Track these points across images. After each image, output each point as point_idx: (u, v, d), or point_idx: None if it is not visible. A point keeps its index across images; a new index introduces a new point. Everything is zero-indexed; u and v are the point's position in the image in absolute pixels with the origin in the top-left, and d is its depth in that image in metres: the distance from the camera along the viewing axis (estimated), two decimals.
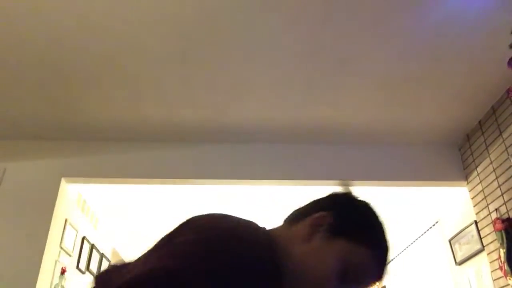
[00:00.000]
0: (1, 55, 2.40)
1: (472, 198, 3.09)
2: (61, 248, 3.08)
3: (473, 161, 3.07)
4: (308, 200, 0.91)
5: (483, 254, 2.94)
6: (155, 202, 4.00)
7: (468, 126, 3.08)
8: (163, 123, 3.01)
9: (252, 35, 2.27)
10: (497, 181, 2.77)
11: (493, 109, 2.84)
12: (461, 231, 3.21)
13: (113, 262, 4.35)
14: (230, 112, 2.90)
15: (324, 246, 0.79)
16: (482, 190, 2.94)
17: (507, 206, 2.67)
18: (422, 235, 3.99)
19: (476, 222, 3.01)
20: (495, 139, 2.81)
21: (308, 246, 0.79)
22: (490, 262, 2.84)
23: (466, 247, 3.15)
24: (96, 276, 0.84)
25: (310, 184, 3.19)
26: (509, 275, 2.56)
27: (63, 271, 3.08)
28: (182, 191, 3.75)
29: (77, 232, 3.35)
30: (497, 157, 2.78)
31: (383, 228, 0.86)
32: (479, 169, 3.00)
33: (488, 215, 2.86)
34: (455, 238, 3.30)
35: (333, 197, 0.89)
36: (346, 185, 0.90)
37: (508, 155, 2.66)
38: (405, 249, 4.35)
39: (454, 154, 3.27)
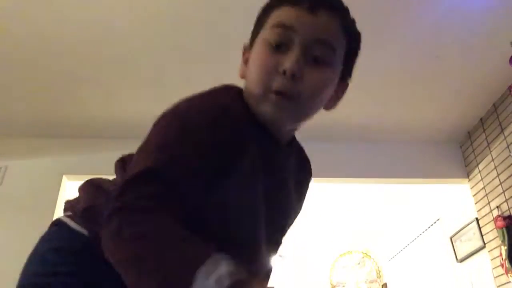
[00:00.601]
0: (1, 55, 2.40)
1: (473, 196, 3.09)
2: None
3: (475, 158, 3.06)
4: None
5: (484, 252, 2.94)
6: None
7: (470, 123, 3.08)
8: None
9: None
10: (499, 178, 2.77)
11: (495, 107, 2.83)
12: (462, 229, 3.21)
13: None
14: None
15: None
16: (484, 188, 2.94)
17: (508, 203, 2.66)
18: (423, 232, 3.99)
19: (477, 220, 3.01)
20: (497, 136, 2.80)
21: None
22: (491, 260, 2.84)
23: (468, 245, 3.15)
24: (118, 160, 0.89)
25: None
26: (510, 272, 2.56)
27: None
28: None
29: None
30: (499, 154, 2.78)
31: None
32: (480, 166, 2.99)
33: (489, 212, 2.86)
34: (457, 235, 3.30)
35: None
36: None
37: (510, 152, 2.65)
38: (406, 246, 4.36)
39: (455, 152, 3.26)
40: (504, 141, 2.72)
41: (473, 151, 3.09)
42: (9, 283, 2.88)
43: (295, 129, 0.85)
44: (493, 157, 2.84)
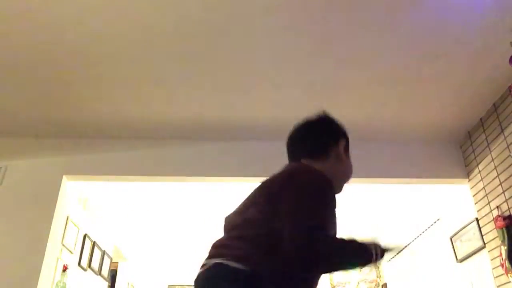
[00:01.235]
0: (1, 54, 2.40)
1: (473, 196, 3.09)
2: (63, 245, 3.08)
3: (475, 158, 3.06)
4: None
5: (484, 252, 2.94)
6: (157, 200, 4.01)
7: (470, 123, 3.08)
8: (164, 120, 3.01)
9: (253, 35, 2.27)
10: (499, 178, 2.77)
11: (495, 107, 2.83)
12: (462, 229, 3.21)
13: None
14: (232, 110, 2.90)
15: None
16: (484, 188, 2.94)
17: (508, 203, 2.66)
18: (423, 232, 3.99)
19: (477, 220, 3.01)
20: (497, 136, 2.80)
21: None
22: (491, 260, 2.84)
23: (467, 245, 3.15)
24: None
25: None
26: (510, 272, 2.56)
27: (65, 268, 3.09)
28: (183, 189, 3.76)
29: (78, 229, 3.36)
30: (499, 154, 2.78)
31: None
32: (480, 166, 2.99)
33: (489, 212, 2.86)
34: (457, 235, 3.30)
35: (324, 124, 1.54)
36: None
37: (510, 152, 2.65)
38: (406, 246, 4.36)
39: (455, 152, 3.26)
40: (504, 141, 2.72)
41: (473, 151, 3.09)
42: (11, 281, 2.90)
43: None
44: (493, 157, 2.84)
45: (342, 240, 1.19)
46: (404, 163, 3.19)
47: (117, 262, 5.01)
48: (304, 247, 1.07)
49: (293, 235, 1.10)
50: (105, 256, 4.03)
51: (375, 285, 5.16)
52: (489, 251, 2.88)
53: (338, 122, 1.52)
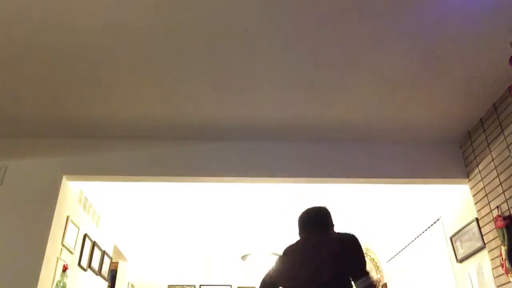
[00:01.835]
0: (1, 54, 2.40)
1: (473, 196, 3.09)
2: (63, 245, 3.08)
3: (475, 158, 3.06)
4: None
5: (484, 252, 2.94)
6: (157, 200, 4.01)
7: (470, 123, 3.08)
8: (164, 120, 3.01)
9: (253, 34, 2.27)
10: (499, 178, 2.77)
11: (495, 107, 2.83)
12: (462, 229, 3.21)
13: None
14: (231, 110, 2.90)
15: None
16: (484, 188, 2.94)
17: (508, 203, 2.67)
18: (423, 232, 3.99)
19: (477, 220, 3.02)
20: (497, 136, 2.81)
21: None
22: (491, 260, 2.84)
23: (467, 245, 3.15)
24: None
25: (312, 182, 3.21)
26: (510, 272, 2.56)
27: (65, 268, 3.09)
28: (183, 189, 3.76)
29: (78, 229, 3.36)
30: (499, 154, 2.78)
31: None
32: (480, 166, 3.00)
33: (489, 212, 2.86)
34: (456, 235, 3.30)
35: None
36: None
37: (510, 152, 2.65)
38: (406, 246, 4.36)
39: (455, 152, 3.27)
40: (504, 141, 2.72)
41: (473, 151, 3.09)
42: (11, 281, 2.90)
43: None
44: (493, 157, 2.84)
45: None
46: (404, 163, 3.19)
47: (117, 262, 5.01)
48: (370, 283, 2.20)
49: None
50: (105, 256, 4.03)
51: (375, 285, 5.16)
52: (489, 251, 2.88)
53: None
